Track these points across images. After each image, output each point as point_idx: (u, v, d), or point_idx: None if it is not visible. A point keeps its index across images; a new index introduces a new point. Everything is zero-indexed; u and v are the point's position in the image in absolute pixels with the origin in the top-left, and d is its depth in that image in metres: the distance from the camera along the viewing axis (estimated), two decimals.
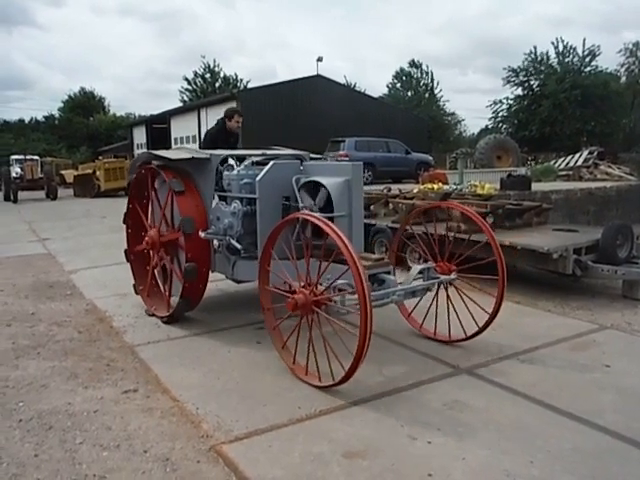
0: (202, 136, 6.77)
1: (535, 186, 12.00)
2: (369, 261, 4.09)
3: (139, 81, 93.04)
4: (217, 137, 6.35)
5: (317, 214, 3.91)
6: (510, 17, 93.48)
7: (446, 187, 11.40)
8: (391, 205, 9.14)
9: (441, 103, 53.25)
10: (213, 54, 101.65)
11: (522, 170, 17.28)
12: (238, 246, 4.63)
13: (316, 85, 28.26)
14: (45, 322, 5.28)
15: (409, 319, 4.91)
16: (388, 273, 4.12)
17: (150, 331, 4.95)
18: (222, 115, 6.50)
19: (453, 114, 55.26)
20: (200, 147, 6.41)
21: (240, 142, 6.72)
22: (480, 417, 3.26)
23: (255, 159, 4.98)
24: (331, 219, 4.06)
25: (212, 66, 53.98)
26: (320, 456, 2.83)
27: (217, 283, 6.45)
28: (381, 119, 28.60)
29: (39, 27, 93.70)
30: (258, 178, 4.47)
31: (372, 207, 9.12)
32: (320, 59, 29.97)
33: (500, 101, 41.69)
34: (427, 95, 52.37)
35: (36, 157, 28.83)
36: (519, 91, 41.50)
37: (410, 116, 35.43)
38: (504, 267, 4.29)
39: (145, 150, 7.04)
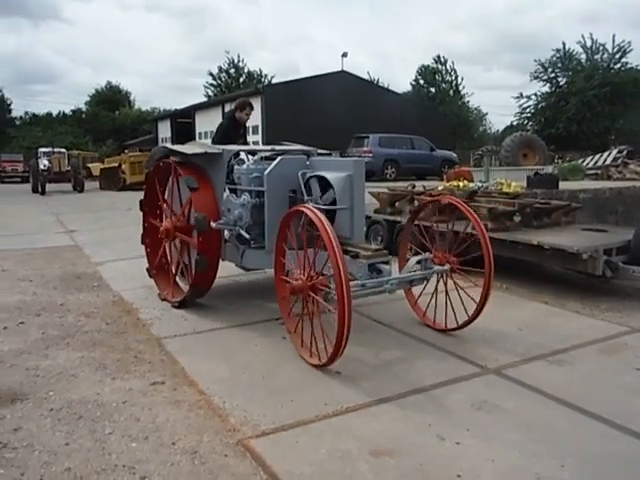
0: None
1: (562, 185, 11.81)
2: (368, 251, 4.29)
3: (163, 76, 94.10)
4: (228, 129, 6.59)
5: (312, 206, 4.13)
6: (536, 12, 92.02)
7: (471, 185, 11.28)
8: (416, 202, 9.08)
9: (465, 100, 52.80)
10: (236, 50, 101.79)
11: (549, 168, 17.02)
12: (247, 236, 4.88)
13: (341, 81, 28.16)
14: (73, 313, 5.36)
15: (415, 307, 5.08)
16: (386, 263, 4.31)
17: (177, 324, 4.99)
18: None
19: (477, 110, 54.70)
20: (213, 140, 6.61)
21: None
22: (509, 419, 3.22)
23: (264, 154, 5.23)
24: (334, 211, 4.44)
25: (236, 61, 54.24)
26: (347, 453, 2.82)
27: (242, 277, 6.50)
28: (405, 115, 28.41)
29: (66, 22, 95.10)
30: (266, 172, 4.72)
31: (397, 204, 9.08)
32: (345, 55, 29.92)
33: (528, 96, 41.09)
34: (451, 92, 51.91)
35: (63, 150, 29.26)
36: (546, 88, 40.90)
37: (434, 112, 35.14)
38: (491, 261, 4.43)
39: (163, 144, 7.19)
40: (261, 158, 5.14)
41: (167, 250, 5.85)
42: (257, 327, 4.88)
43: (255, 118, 27.02)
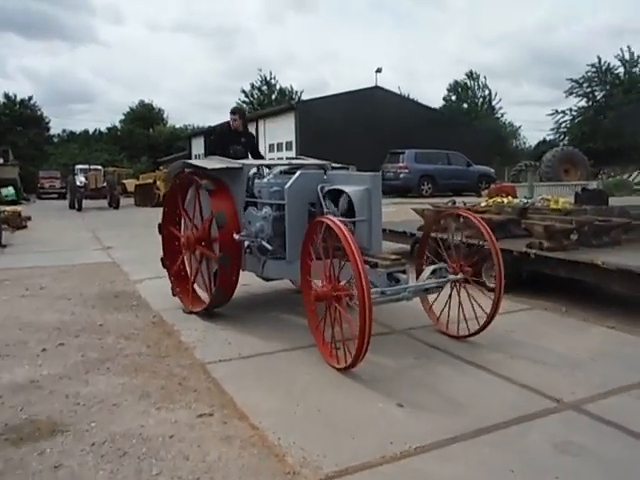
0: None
1: (610, 201, 11.30)
2: (387, 261, 4.44)
3: (193, 94, 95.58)
4: (222, 137, 6.96)
5: (335, 218, 4.22)
6: (566, 27, 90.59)
7: (516, 201, 10.87)
8: (461, 219, 8.72)
9: (499, 115, 52.14)
10: (265, 68, 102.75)
11: (593, 184, 16.44)
12: (269, 247, 5.03)
13: (375, 96, 27.95)
14: (113, 334, 5.15)
15: (430, 312, 5.21)
16: (403, 272, 4.47)
17: (221, 348, 4.73)
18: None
19: (511, 125, 53.93)
20: (206, 149, 7.14)
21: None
22: (600, 464, 2.85)
23: (282, 168, 5.50)
24: (353, 223, 4.62)
25: (268, 78, 54.70)
26: None
27: (275, 292, 6.24)
28: (440, 131, 27.96)
29: (101, 44, 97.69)
30: (287, 186, 4.89)
31: (442, 221, 8.71)
32: (379, 70, 29.63)
33: (563, 112, 40.33)
34: (484, 107, 51.34)
35: (99, 167, 29.70)
36: (582, 102, 40.07)
37: (469, 128, 34.60)
38: (501, 270, 4.65)
39: (182, 160, 7.30)
40: (280, 172, 5.35)
41: (187, 262, 6.10)
42: (305, 352, 4.58)
43: (289, 134, 27.00)
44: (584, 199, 10.85)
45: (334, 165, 5.81)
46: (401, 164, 20.68)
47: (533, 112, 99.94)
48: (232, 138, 6.91)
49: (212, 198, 5.31)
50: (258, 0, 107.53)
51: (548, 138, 42.44)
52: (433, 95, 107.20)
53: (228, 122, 7.03)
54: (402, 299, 4.44)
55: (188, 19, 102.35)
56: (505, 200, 10.91)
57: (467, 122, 39.96)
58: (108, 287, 7.34)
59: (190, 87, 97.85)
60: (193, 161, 5.97)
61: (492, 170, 23.25)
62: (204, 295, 5.90)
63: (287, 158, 6.60)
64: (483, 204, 10.76)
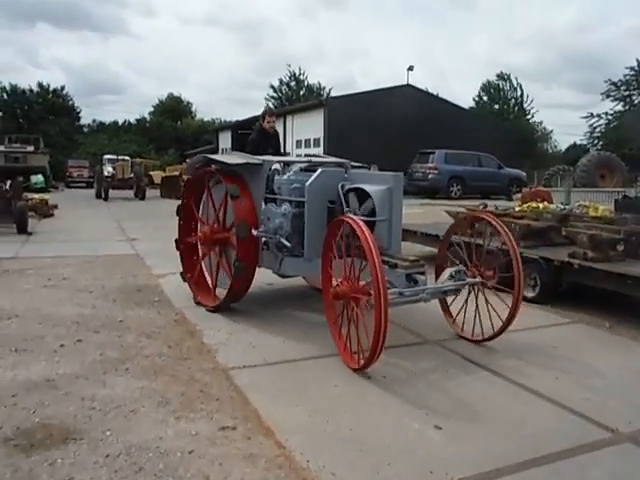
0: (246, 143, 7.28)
1: None
2: (406, 262, 4.41)
3: (222, 88, 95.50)
4: (259, 142, 6.77)
5: (356, 217, 4.16)
6: (599, 30, 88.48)
7: (552, 206, 10.46)
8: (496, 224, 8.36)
9: (529, 116, 51.13)
10: (293, 63, 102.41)
11: (631, 191, 15.85)
12: (288, 244, 4.97)
13: (406, 94, 27.42)
14: (134, 332, 4.95)
15: (446, 316, 5.15)
16: (422, 274, 4.45)
17: (245, 352, 4.49)
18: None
19: (543, 128, 52.88)
20: (237, 145, 7.09)
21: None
22: None
23: (302, 166, 5.47)
24: (373, 223, 4.54)
25: (297, 74, 54.48)
26: None
27: (313, 303, 5.97)
28: (471, 132, 27.34)
29: (132, 36, 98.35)
30: (307, 183, 4.87)
31: (477, 225, 8.33)
32: (411, 68, 29.09)
33: (598, 115, 39.33)
34: (516, 109, 50.40)
35: (127, 157, 29.77)
36: (619, 107, 39.04)
37: (502, 129, 33.79)
38: (521, 275, 4.57)
39: (203, 154, 7.15)
40: (300, 170, 5.33)
41: (202, 255, 6.04)
42: (333, 361, 4.30)
43: (317, 130, 26.67)
44: (624, 207, 10.37)
45: (354, 164, 5.78)
46: (430, 164, 20.23)
47: (564, 116, 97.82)
48: (267, 141, 6.85)
49: (235, 205, 5.23)
50: None
51: (579, 142, 41.41)
52: (461, 95, 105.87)
53: (261, 124, 6.95)
54: (420, 300, 4.42)
55: (219, 12, 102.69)
56: (540, 205, 10.54)
57: (499, 123, 39.11)
58: (130, 281, 7.16)
59: (218, 81, 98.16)
60: (214, 156, 5.92)
61: (523, 174, 22.64)
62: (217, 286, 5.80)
63: (306, 155, 6.48)
64: (517, 208, 10.39)
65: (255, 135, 6.96)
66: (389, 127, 25.57)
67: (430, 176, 19.99)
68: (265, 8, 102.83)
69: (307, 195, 4.85)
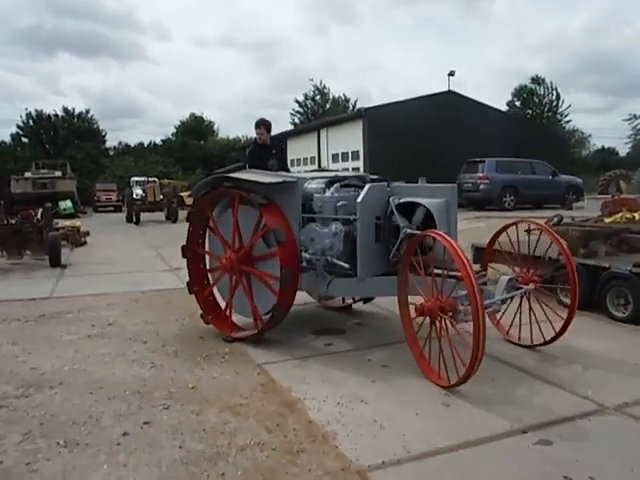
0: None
1: None
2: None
3: (240, 106, 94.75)
4: (256, 153, 6.38)
5: (444, 233, 4.03)
6: (614, 32, 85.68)
7: None
8: (611, 241, 7.08)
9: (566, 120, 49.40)
10: (309, 80, 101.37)
11: None
12: (346, 265, 4.74)
13: (447, 101, 25.96)
14: (213, 405, 3.76)
15: (498, 326, 5.12)
16: (485, 284, 4.44)
17: (375, 436, 3.26)
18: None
19: (581, 132, 51.06)
20: (244, 167, 6.38)
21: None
22: None
23: (326, 179, 5.27)
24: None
25: (322, 87, 53.63)
26: None
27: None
28: (514, 137, 25.78)
29: (149, 60, 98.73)
30: (358, 200, 4.68)
31: (590, 244, 6.98)
32: (452, 73, 27.32)
33: None
34: (550, 113, 48.74)
35: (155, 179, 28.96)
36: None
37: (545, 133, 32.08)
38: (576, 282, 4.58)
39: (223, 174, 6.28)
40: (341, 186, 5.14)
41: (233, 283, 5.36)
42: (509, 444, 3.06)
43: (356, 143, 25.39)
44: None
45: (372, 177, 5.58)
46: (481, 174, 18.80)
47: (582, 120, 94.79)
48: (264, 153, 6.37)
49: (265, 213, 4.95)
50: (301, 13, 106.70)
51: (608, 145, 39.54)
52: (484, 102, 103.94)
53: (255, 138, 6.56)
54: (493, 311, 4.58)
55: (232, 34, 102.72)
56: (636, 215, 9.56)
57: (543, 127, 37.35)
58: (188, 323, 6.02)
59: (236, 100, 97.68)
60: (241, 175, 5.38)
61: (580, 180, 21.05)
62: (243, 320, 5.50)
63: (311, 170, 5.88)
64: (608, 220, 9.29)
65: (252, 147, 6.65)
66: (433, 136, 24.06)
67: (481, 186, 18.55)
68: (278, 27, 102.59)
69: (359, 212, 4.68)
